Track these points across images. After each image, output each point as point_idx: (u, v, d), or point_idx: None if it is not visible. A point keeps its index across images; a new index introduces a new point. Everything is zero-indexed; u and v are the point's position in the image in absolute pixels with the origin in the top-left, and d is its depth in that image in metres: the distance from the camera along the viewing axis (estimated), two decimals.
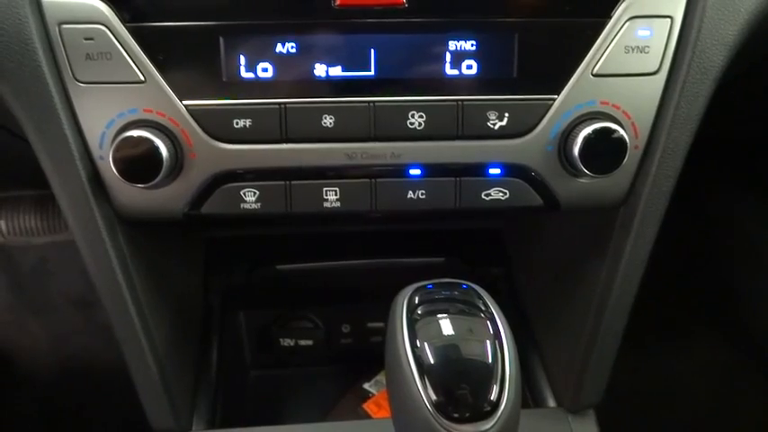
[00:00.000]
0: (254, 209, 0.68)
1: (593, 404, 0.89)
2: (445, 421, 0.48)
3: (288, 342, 1.13)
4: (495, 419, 0.48)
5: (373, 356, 1.05)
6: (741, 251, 1.56)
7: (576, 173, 0.67)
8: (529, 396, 0.97)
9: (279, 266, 1.04)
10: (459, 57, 0.64)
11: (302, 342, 1.14)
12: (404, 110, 0.65)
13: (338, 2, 0.61)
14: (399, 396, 0.50)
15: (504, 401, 0.48)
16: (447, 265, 1.06)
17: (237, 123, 0.64)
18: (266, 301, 1.12)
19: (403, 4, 0.62)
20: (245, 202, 0.68)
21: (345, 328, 1.17)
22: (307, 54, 0.63)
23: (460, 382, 0.49)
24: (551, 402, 0.94)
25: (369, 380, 1.14)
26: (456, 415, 0.48)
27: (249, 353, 1.14)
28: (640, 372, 1.32)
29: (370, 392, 1.12)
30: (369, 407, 1.08)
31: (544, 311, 0.99)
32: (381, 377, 1.13)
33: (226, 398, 0.97)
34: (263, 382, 1.13)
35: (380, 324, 1.15)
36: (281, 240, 1.05)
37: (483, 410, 0.48)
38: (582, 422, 0.89)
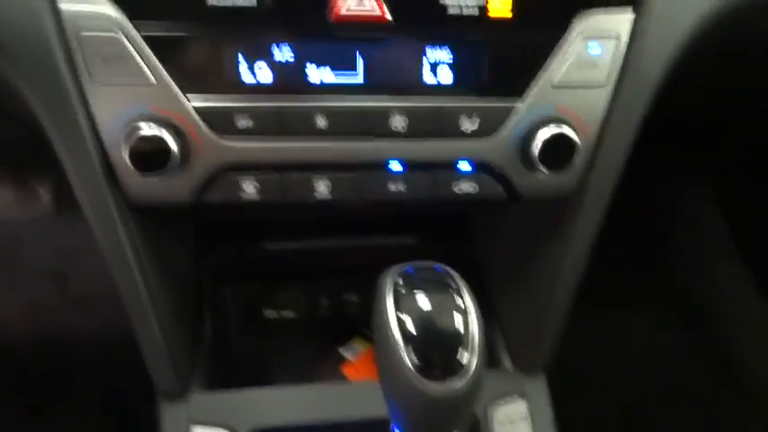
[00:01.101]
0: (252, 198, 0.74)
1: (545, 366, 1.00)
2: (425, 380, 0.55)
3: (272, 314, 1.22)
4: (465, 379, 0.56)
5: (349, 325, 1.15)
6: (684, 233, 1.70)
7: (535, 169, 0.74)
8: (490, 359, 1.07)
9: (266, 247, 1.12)
10: (437, 66, 0.71)
11: (285, 313, 1.23)
12: (388, 113, 0.71)
13: (333, 17, 0.68)
14: (387, 360, 0.57)
15: (472, 364, 0.56)
16: (420, 245, 1.16)
17: (239, 122, 0.70)
18: (252, 278, 1.20)
19: (388, 21, 0.68)
20: (244, 191, 0.74)
21: (324, 302, 1.25)
22: (302, 62, 0.69)
23: (437, 348, 0.57)
24: (508, 365, 1.04)
25: (343, 344, 1.23)
26: (434, 374, 0.56)
27: (237, 324, 1.23)
28: (587, 339, 1.41)
29: (344, 356, 1.22)
30: (346, 370, 1.18)
31: (504, 287, 1.07)
32: (355, 343, 1.23)
33: (219, 363, 1.06)
34: (251, 350, 1.22)
35: (355, 298, 1.24)
36: (266, 224, 1.12)
37: (455, 371, 0.56)
38: (533, 382, 0.99)
